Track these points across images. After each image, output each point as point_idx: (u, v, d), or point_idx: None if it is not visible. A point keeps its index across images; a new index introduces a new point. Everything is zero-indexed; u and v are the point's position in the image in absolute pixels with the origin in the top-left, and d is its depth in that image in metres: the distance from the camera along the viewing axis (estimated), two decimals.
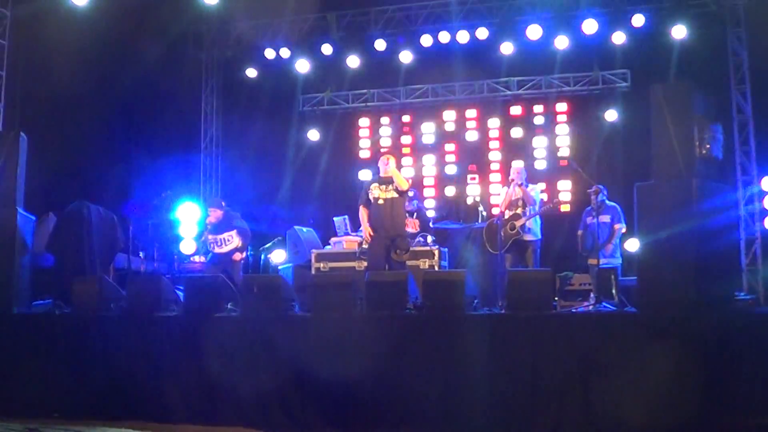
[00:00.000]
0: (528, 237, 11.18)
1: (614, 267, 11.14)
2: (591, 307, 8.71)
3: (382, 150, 14.70)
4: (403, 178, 10.23)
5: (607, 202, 11.43)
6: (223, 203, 12.35)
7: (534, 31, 14.33)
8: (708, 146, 7.73)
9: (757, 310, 8.27)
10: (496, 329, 7.63)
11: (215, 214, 11.94)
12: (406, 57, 15.34)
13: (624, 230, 11.33)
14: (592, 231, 10.76)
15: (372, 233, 10.10)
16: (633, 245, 11.27)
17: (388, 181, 10.09)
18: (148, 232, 13.67)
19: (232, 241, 11.82)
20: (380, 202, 10.08)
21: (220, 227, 11.92)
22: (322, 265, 11.88)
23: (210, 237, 11.95)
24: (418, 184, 15.61)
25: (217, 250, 11.87)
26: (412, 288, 8.58)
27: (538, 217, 11.34)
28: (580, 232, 11.69)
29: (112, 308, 9.01)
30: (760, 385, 6.85)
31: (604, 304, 8.59)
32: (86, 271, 10.46)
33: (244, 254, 12.24)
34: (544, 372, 7.37)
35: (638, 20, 13.98)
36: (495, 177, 15.64)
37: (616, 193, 12.06)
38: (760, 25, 13.26)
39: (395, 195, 10.07)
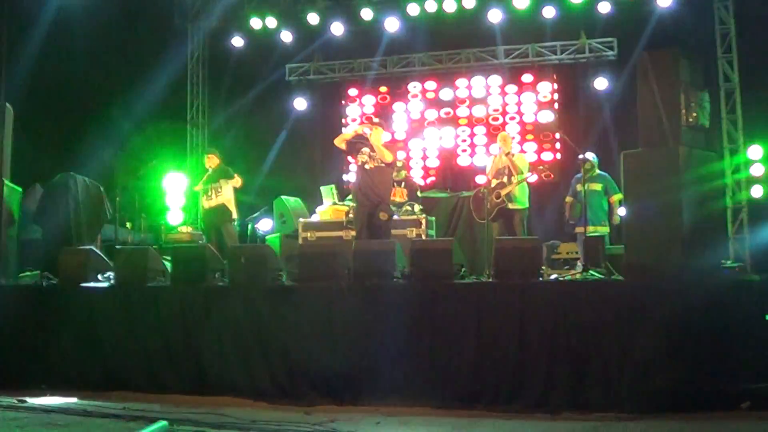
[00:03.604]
0: (514, 206, 11.16)
1: (601, 235, 11.16)
2: (578, 276, 8.73)
3: (373, 119, 14.55)
4: (385, 150, 10.04)
5: (597, 171, 11.45)
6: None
7: (521, 0, 14.27)
8: (695, 114, 7.74)
9: (743, 277, 8.30)
10: (484, 297, 7.66)
11: (211, 161, 11.72)
12: (392, 26, 15.22)
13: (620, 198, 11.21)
14: (581, 199, 10.74)
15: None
16: (619, 213, 11.28)
17: (374, 150, 10.02)
18: (134, 202, 13.63)
19: (221, 192, 11.59)
20: (366, 167, 10.02)
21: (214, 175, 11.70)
22: (309, 234, 11.89)
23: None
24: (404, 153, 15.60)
25: (206, 204, 11.62)
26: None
27: (526, 185, 11.33)
28: (569, 199, 11.70)
29: (99, 279, 9.00)
30: (746, 351, 6.91)
31: (591, 272, 8.62)
32: (73, 243, 10.41)
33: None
34: (532, 340, 7.41)
35: None
36: (481, 149, 15.62)
37: (604, 162, 12.05)
38: None
39: (381, 165, 9.99)
